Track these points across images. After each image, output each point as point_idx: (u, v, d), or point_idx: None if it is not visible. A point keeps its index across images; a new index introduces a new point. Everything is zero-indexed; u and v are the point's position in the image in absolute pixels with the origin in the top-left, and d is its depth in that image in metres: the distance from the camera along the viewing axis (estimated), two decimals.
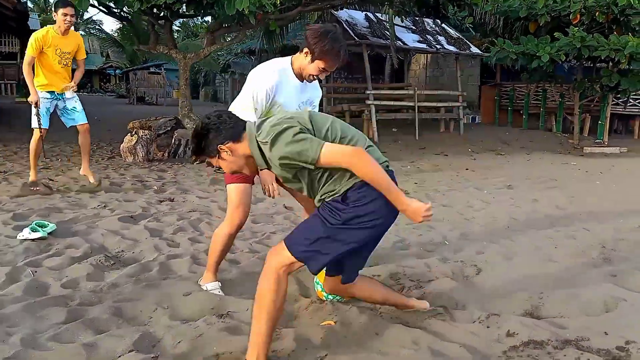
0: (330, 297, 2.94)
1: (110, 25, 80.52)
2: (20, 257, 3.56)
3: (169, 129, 9.24)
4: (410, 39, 13.54)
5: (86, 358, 2.34)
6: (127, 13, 9.43)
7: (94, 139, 10.41)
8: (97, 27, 33.33)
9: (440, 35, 14.22)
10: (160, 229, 4.36)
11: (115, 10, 9.17)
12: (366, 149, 2.27)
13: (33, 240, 3.85)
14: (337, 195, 2.25)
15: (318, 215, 2.29)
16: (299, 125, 2.15)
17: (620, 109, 14.90)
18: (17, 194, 5.33)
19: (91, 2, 7.18)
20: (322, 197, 2.31)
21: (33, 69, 5.34)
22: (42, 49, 5.27)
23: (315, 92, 3.06)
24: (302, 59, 2.77)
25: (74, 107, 5.51)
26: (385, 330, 2.61)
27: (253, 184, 3.07)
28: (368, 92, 12.60)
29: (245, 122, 2.32)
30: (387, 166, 2.37)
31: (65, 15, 5.24)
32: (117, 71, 43.62)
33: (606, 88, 12.35)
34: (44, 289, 3.11)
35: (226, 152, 2.25)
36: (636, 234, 4.64)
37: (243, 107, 2.80)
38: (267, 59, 3.06)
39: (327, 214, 2.26)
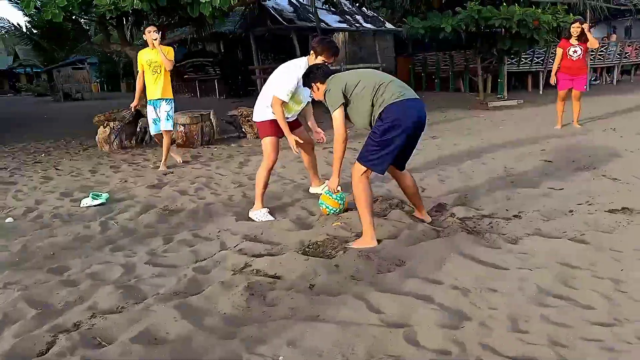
0: (331, 211, 4.40)
1: (16, 19, 76.07)
2: (98, 215, 4.76)
3: (130, 119, 10.28)
4: (333, 20, 15.04)
5: (197, 257, 3.68)
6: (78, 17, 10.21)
7: (59, 136, 11.22)
8: (8, 25, 32.04)
9: (358, 15, 15.82)
10: (184, 190, 5.63)
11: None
12: (380, 86, 3.57)
13: (96, 206, 5.05)
14: (376, 118, 3.61)
15: (369, 135, 3.63)
16: (334, 88, 3.65)
17: (515, 68, 17.25)
18: None
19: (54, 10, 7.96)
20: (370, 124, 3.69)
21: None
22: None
23: None
24: (312, 59, 4.24)
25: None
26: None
27: (280, 137, 4.53)
28: None
29: (331, 73, 3.81)
30: (403, 96, 3.54)
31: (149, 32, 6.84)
32: (27, 70, 42.25)
33: (501, 51, 14.49)
34: (131, 231, 4.35)
35: (316, 87, 3.83)
36: (528, 157, 6.45)
37: (286, 92, 4.24)
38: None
39: (372, 133, 3.60)
